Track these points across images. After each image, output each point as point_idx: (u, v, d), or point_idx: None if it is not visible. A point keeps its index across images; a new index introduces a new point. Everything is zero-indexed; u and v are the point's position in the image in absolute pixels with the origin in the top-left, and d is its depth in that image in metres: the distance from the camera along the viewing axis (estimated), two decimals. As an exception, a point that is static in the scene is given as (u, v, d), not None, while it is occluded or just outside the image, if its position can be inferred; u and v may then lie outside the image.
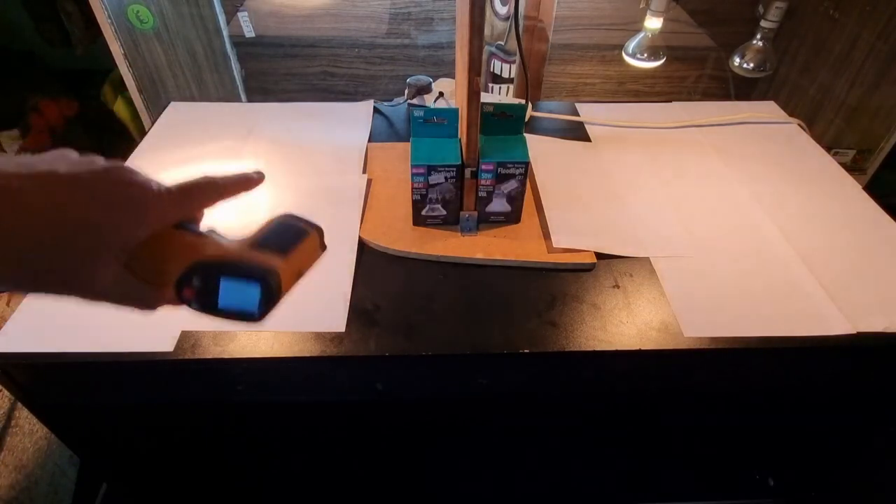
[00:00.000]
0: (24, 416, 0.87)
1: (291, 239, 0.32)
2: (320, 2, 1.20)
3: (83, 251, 0.26)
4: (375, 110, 0.90)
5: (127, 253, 0.28)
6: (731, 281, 0.61)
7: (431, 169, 0.61)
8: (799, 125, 0.89)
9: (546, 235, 0.65)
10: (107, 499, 0.91)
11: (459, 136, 0.64)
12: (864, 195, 0.74)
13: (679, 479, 0.85)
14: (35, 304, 0.57)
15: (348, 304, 0.58)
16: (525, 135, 0.65)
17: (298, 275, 0.32)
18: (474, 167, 0.61)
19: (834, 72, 1.16)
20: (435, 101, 0.90)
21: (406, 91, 0.91)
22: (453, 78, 0.79)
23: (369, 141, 0.82)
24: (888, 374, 0.61)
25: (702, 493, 0.87)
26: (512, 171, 0.62)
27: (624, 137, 0.85)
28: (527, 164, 0.62)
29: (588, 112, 0.91)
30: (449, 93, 0.90)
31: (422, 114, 0.62)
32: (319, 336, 0.55)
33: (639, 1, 1.15)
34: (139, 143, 0.81)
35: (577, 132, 0.87)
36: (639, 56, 1.13)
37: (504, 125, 0.64)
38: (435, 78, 0.93)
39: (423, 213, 0.65)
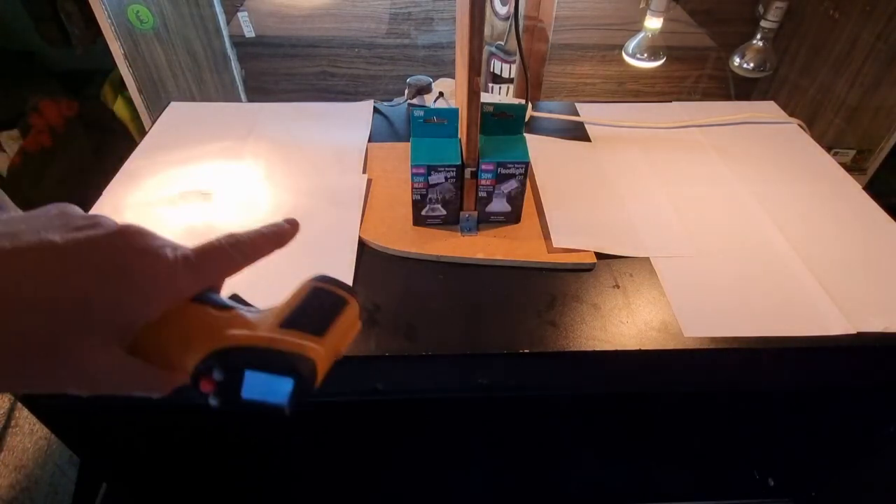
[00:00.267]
0: (24, 416, 0.87)
1: (328, 313, 0.28)
2: (320, 2, 1.20)
3: (65, 334, 0.21)
4: (375, 110, 0.90)
5: (132, 334, 0.23)
6: (731, 281, 0.61)
7: (431, 169, 0.61)
8: (799, 125, 0.89)
9: (546, 235, 0.65)
10: (107, 499, 0.91)
11: (459, 136, 0.64)
12: (864, 195, 0.74)
13: (679, 479, 0.85)
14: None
15: (348, 304, 0.57)
16: (525, 135, 0.65)
17: (336, 356, 0.27)
18: (474, 167, 0.61)
19: (834, 72, 1.16)
20: (435, 101, 0.90)
21: (406, 91, 0.91)
22: (453, 78, 0.79)
23: (369, 141, 0.82)
24: (888, 374, 0.60)
25: (702, 493, 0.87)
26: (512, 171, 0.62)
27: (624, 137, 0.85)
28: (527, 164, 0.62)
29: (588, 112, 0.90)
30: (449, 93, 0.90)
31: (422, 114, 0.62)
32: (319, 336, 0.55)
33: (639, 1, 1.15)
34: (139, 143, 0.81)
35: (577, 132, 0.87)
36: (639, 56, 1.13)
37: (504, 125, 0.64)
38: (435, 78, 0.93)
39: (423, 213, 0.65)
